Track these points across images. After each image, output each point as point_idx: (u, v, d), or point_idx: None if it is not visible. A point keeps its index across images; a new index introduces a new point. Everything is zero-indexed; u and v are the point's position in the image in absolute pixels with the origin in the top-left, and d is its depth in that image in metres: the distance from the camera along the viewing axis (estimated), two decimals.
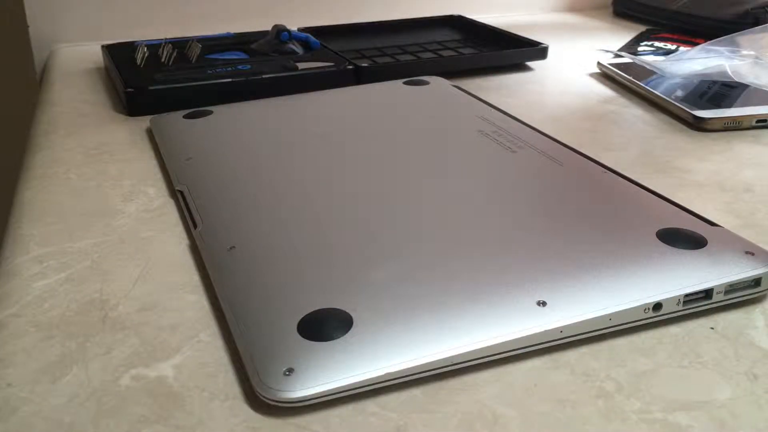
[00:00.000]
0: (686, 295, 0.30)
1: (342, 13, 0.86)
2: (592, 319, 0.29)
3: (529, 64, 0.71)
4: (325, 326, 0.28)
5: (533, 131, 0.48)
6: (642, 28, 0.87)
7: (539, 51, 0.69)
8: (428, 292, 0.30)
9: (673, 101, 0.56)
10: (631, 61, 0.68)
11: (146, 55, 0.63)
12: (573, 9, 1.01)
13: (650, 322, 0.30)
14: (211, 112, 0.52)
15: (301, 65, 0.61)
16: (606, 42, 0.80)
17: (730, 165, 0.47)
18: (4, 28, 0.78)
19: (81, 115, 0.57)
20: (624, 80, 0.63)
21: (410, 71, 0.62)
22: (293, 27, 0.71)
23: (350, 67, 0.62)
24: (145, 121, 0.54)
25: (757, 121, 0.53)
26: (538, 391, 0.27)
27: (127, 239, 0.38)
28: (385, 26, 0.79)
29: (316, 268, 0.32)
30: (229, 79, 0.57)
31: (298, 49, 0.67)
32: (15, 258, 0.36)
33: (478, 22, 0.79)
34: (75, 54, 0.75)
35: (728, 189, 0.43)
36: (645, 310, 0.30)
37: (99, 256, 0.36)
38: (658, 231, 0.34)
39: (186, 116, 0.52)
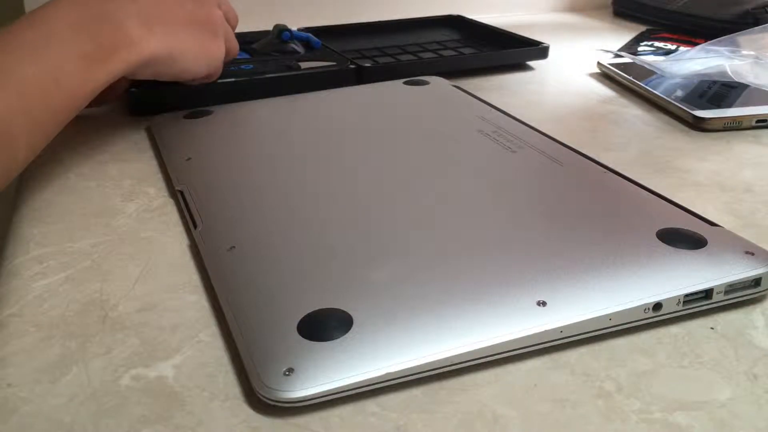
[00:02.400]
0: (686, 295, 0.30)
1: (342, 13, 0.86)
2: (592, 319, 0.29)
3: (530, 63, 0.71)
4: (325, 326, 0.28)
5: (533, 131, 0.48)
6: (642, 28, 0.87)
7: (539, 51, 0.69)
8: (428, 292, 0.30)
9: (673, 101, 0.56)
10: (631, 61, 0.68)
11: None
12: (573, 9, 1.01)
13: (650, 322, 0.30)
14: (211, 112, 0.52)
15: (303, 65, 0.61)
16: (606, 42, 0.80)
17: (730, 165, 0.47)
18: None
19: (81, 115, 0.56)
20: (624, 80, 0.63)
21: (411, 71, 0.62)
22: (294, 27, 0.71)
23: (352, 66, 0.62)
24: (145, 121, 0.54)
25: (757, 121, 0.53)
26: (538, 391, 0.27)
27: (127, 239, 0.38)
28: (385, 26, 0.79)
29: (316, 268, 0.32)
30: (233, 79, 0.57)
31: (300, 49, 0.67)
32: (15, 258, 0.36)
33: (478, 22, 0.79)
34: None
35: (728, 189, 0.43)
36: (645, 310, 0.30)
37: (99, 256, 0.36)
38: (658, 231, 0.34)
39: (186, 116, 0.52)
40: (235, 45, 0.53)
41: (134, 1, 0.44)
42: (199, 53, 0.48)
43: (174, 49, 0.45)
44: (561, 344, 0.29)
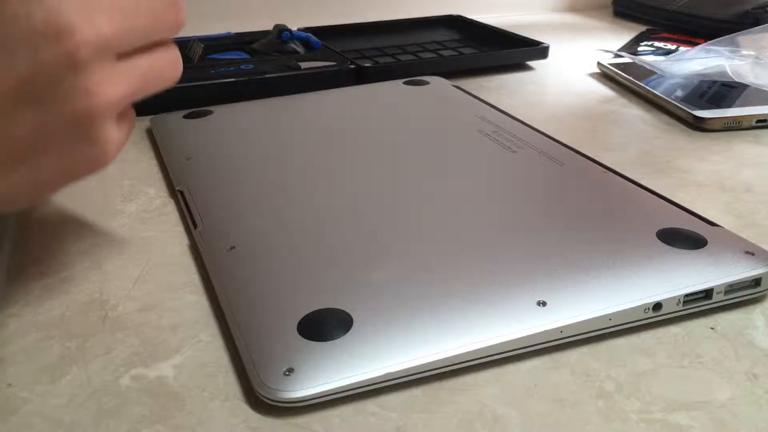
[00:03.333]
0: (686, 295, 0.30)
1: (342, 13, 0.86)
2: (592, 319, 0.29)
3: (530, 63, 0.71)
4: (325, 326, 0.28)
5: (533, 131, 0.48)
6: (642, 28, 0.87)
7: (540, 51, 0.69)
8: (428, 292, 0.30)
9: (673, 101, 0.56)
10: (631, 61, 0.68)
11: None
12: (573, 9, 1.01)
13: (650, 322, 0.30)
14: (211, 112, 0.52)
15: (303, 65, 0.61)
16: (606, 42, 0.80)
17: (730, 165, 0.47)
18: None
19: None
20: (624, 80, 0.63)
21: (411, 71, 0.62)
22: (294, 27, 0.71)
23: (352, 66, 0.62)
24: (145, 121, 0.54)
25: (757, 121, 0.53)
26: (538, 391, 0.27)
27: (127, 239, 0.38)
28: (385, 26, 0.79)
29: (316, 268, 0.32)
30: (233, 79, 0.57)
31: (300, 49, 0.67)
32: (15, 258, 0.36)
33: (478, 22, 0.79)
34: None
35: (728, 189, 0.43)
36: (645, 310, 0.30)
37: (99, 256, 0.36)
38: (658, 231, 0.34)
39: (186, 116, 0.52)
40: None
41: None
42: (50, 184, 0.28)
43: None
44: (561, 344, 0.29)
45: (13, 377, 0.27)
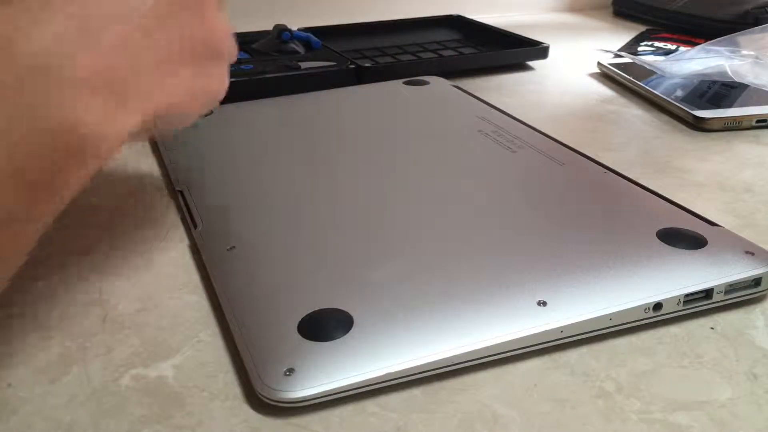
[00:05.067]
0: (686, 295, 0.30)
1: (342, 13, 0.86)
2: (592, 319, 0.29)
3: (530, 63, 0.71)
4: (325, 326, 0.28)
5: (533, 131, 0.48)
6: (642, 28, 0.87)
7: (540, 51, 0.69)
8: (428, 292, 0.30)
9: (673, 101, 0.56)
10: (631, 61, 0.68)
11: None
12: (573, 9, 1.01)
13: (650, 322, 0.30)
14: (211, 112, 0.52)
15: (303, 65, 0.61)
16: (606, 42, 0.80)
17: (730, 165, 0.47)
18: None
19: None
20: (624, 80, 0.63)
21: (411, 71, 0.62)
22: (294, 27, 0.71)
23: (352, 66, 0.62)
24: None
25: (757, 121, 0.53)
26: (538, 391, 0.27)
27: (128, 239, 0.38)
28: (385, 26, 0.79)
29: (316, 268, 0.32)
30: (233, 79, 0.57)
31: (300, 49, 0.67)
32: None
33: (478, 22, 0.79)
34: None
35: (728, 189, 0.43)
36: (645, 310, 0.30)
37: (99, 256, 0.36)
38: (658, 231, 0.34)
39: None
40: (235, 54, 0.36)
41: (89, 48, 0.24)
42: (196, 96, 0.31)
43: (160, 110, 0.28)
44: (561, 344, 0.29)
45: (13, 377, 0.27)
